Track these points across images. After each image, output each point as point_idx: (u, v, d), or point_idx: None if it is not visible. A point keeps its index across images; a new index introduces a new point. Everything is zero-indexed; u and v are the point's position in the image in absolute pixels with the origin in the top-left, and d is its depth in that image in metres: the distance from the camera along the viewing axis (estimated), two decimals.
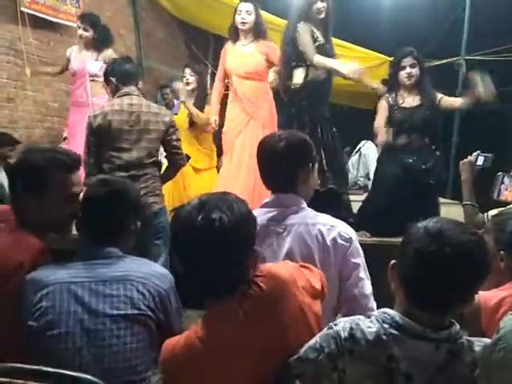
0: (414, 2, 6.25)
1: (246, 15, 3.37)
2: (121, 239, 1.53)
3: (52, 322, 1.33)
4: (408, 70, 3.03)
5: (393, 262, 1.12)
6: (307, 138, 1.68)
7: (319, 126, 3.12)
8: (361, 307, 1.52)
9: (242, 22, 3.38)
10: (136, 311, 1.37)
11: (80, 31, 4.12)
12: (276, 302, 1.15)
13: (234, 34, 3.48)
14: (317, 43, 3.08)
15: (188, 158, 3.12)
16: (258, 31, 3.43)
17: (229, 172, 3.41)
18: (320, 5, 3.10)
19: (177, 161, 2.92)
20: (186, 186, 3.60)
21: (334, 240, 1.53)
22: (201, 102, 3.77)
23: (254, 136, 3.27)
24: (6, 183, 4.00)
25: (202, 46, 7.79)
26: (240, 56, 3.43)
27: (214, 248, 1.10)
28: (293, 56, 3.12)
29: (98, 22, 4.22)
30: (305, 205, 1.62)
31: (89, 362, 1.31)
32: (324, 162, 3.04)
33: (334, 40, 5.08)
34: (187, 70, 3.82)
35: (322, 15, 3.13)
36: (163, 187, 3.28)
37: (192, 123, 3.77)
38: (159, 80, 7.22)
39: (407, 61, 3.04)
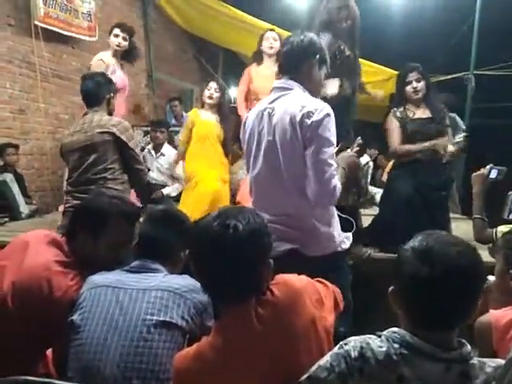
0: (423, 17, 6.27)
1: (273, 42, 3.91)
2: (168, 261, 1.66)
3: (93, 318, 1.45)
4: (414, 84, 3.01)
5: (391, 288, 1.11)
6: None
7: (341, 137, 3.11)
8: None
9: (270, 47, 3.91)
10: (168, 319, 1.43)
11: (119, 40, 3.86)
12: (289, 307, 1.18)
13: (259, 57, 4.01)
14: (339, 58, 3.12)
15: None
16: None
17: None
18: (342, 14, 3.15)
19: None
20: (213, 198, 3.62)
21: None
22: (225, 118, 3.91)
23: None
24: (9, 182, 4.08)
25: (212, 60, 7.86)
26: (264, 77, 3.80)
27: (227, 254, 1.15)
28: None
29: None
30: None
31: (113, 359, 1.38)
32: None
33: None
34: (213, 85, 3.85)
35: (345, 24, 3.16)
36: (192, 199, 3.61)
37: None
38: (169, 92, 7.30)
39: (412, 75, 3.02)
